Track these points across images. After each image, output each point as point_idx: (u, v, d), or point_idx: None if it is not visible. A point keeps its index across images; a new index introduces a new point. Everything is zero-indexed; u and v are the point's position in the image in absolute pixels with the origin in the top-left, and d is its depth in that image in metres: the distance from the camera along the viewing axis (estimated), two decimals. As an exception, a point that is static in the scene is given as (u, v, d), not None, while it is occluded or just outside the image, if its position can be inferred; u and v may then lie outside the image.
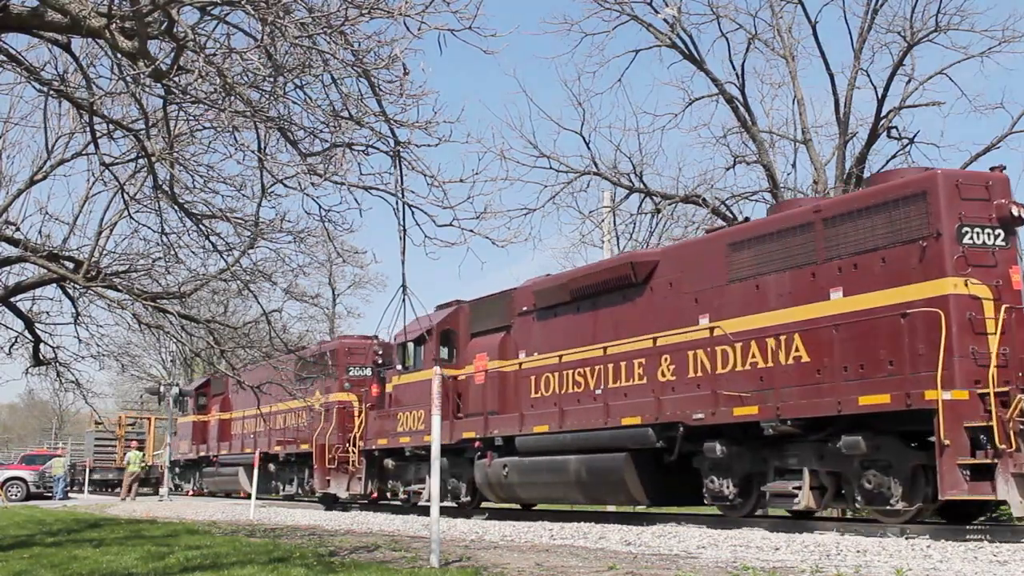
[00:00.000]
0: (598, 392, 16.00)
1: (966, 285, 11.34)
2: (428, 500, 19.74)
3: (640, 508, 16.86)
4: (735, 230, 14.38)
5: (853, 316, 12.11)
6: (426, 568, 8.68)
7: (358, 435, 22.18)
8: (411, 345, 20.35)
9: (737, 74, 24.95)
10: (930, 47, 23.40)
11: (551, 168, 25.27)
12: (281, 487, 26.52)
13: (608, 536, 12.10)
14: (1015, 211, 11.62)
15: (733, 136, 25.89)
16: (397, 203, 7.59)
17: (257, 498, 26.70)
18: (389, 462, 20.72)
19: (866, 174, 22.77)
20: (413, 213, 7.53)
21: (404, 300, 7.81)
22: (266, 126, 7.58)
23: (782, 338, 12.95)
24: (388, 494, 21.22)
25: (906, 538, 10.82)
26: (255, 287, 12.79)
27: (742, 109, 24.79)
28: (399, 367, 20.57)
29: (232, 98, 7.00)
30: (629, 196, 26.42)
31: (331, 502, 24.23)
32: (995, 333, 11.19)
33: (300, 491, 25.57)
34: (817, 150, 24.76)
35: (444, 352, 19.55)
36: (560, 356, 16.48)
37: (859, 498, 11.87)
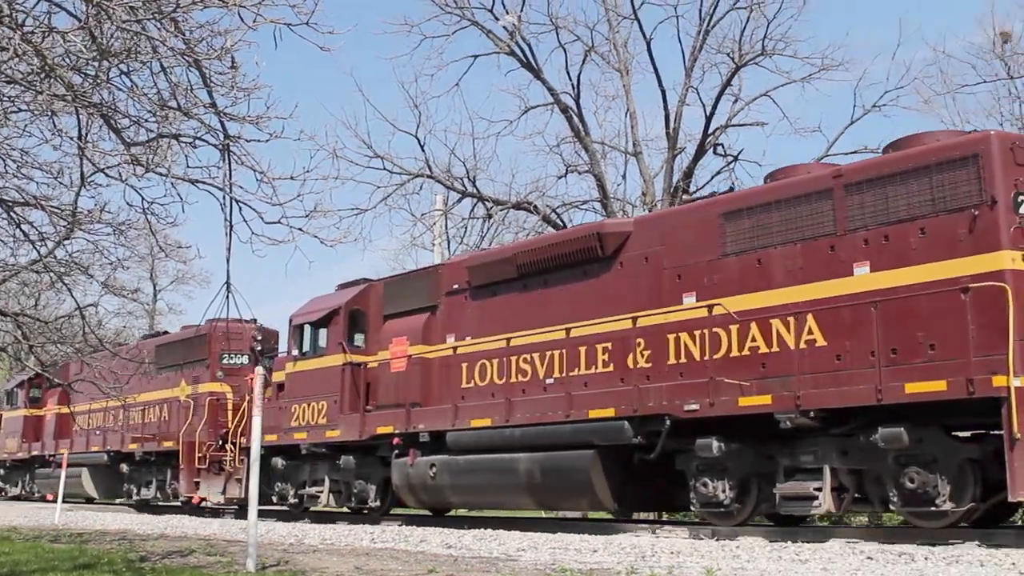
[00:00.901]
0: (549, 381, 14.06)
1: (1011, 261, 10.01)
2: (328, 505, 17.27)
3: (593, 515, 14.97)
4: (731, 198, 12.75)
5: (885, 294, 10.59)
6: (242, 572, 8.41)
7: (238, 430, 19.28)
8: (309, 328, 17.77)
9: (573, 85, 25.57)
10: (756, 70, 25.30)
11: (385, 169, 25.68)
12: (135, 491, 23.09)
13: (429, 539, 12.08)
14: (1071, 181, 10.38)
15: (566, 145, 26.66)
16: (224, 198, 7.58)
17: (106, 503, 23.30)
18: (279, 461, 17.97)
19: (692, 188, 24.24)
20: (240, 209, 7.54)
21: (228, 297, 7.83)
22: (88, 112, 7.37)
23: (791, 319, 11.33)
24: (274, 498, 18.43)
25: (717, 539, 11.17)
26: (70, 280, 11.99)
27: (576, 119, 25.49)
28: (295, 352, 17.90)
29: (51, 80, 6.79)
30: (462, 200, 27.07)
31: (193, 508, 21.13)
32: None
33: (159, 495, 22.28)
34: (647, 163, 25.80)
35: (351, 336, 17.07)
36: (508, 340, 14.36)
37: (895, 499, 10.34)
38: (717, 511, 11.92)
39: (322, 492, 17.14)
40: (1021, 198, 10.23)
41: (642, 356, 12.93)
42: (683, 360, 12.46)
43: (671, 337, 12.66)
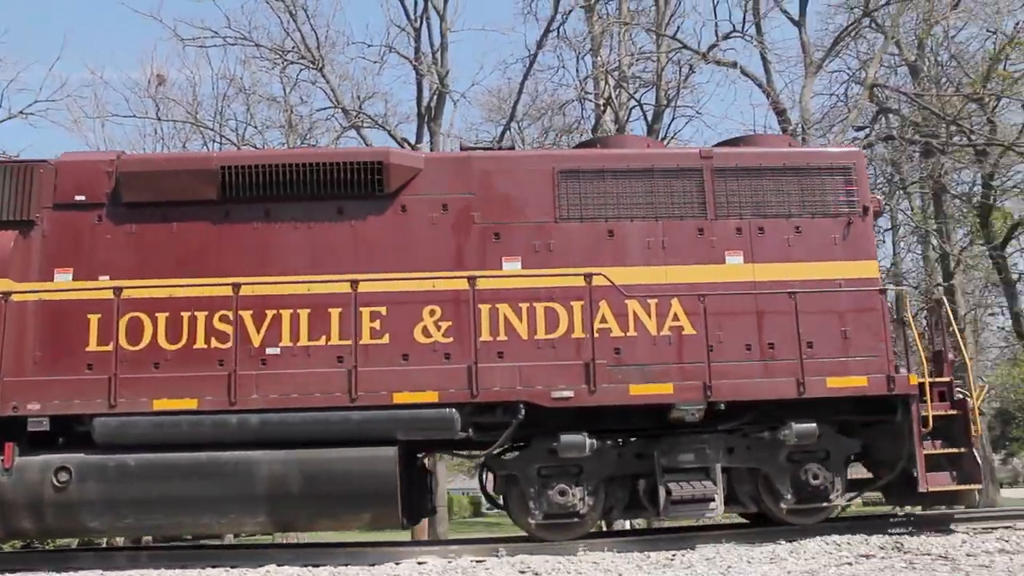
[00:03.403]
0: (273, 351, 10.45)
1: (878, 270, 11.04)
2: None
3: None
4: (572, 155, 11.27)
5: (763, 287, 10.56)
6: None
7: None
8: None
9: None
10: None
11: None
12: None
13: None
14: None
15: None
16: None
17: None
18: None
19: None
20: None
21: None
22: None
23: (652, 303, 10.47)
24: None
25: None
26: None
27: None
28: None
29: None
30: None
31: None
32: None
33: None
34: None
35: None
36: (236, 286, 10.17)
37: (789, 496, 10.27)
38: (568, 522, 10.14)
39: None
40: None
41: (438, 328, 10.40)
42: (503, 337, 10.40)
43: (485, 308, 10.49)
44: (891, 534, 10.06)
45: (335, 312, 10.43)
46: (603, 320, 10.51)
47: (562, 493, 10.09)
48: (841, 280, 10.70)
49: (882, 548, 9.20)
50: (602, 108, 25.17)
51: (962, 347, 11.56)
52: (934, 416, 10.28)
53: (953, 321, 11.12)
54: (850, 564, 8.27)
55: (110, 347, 10.18)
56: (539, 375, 10.15)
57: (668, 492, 10.01)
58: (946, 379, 10.55)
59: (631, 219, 10.76)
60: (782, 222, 10.84)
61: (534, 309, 10.54)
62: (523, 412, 9.98)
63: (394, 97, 56.65)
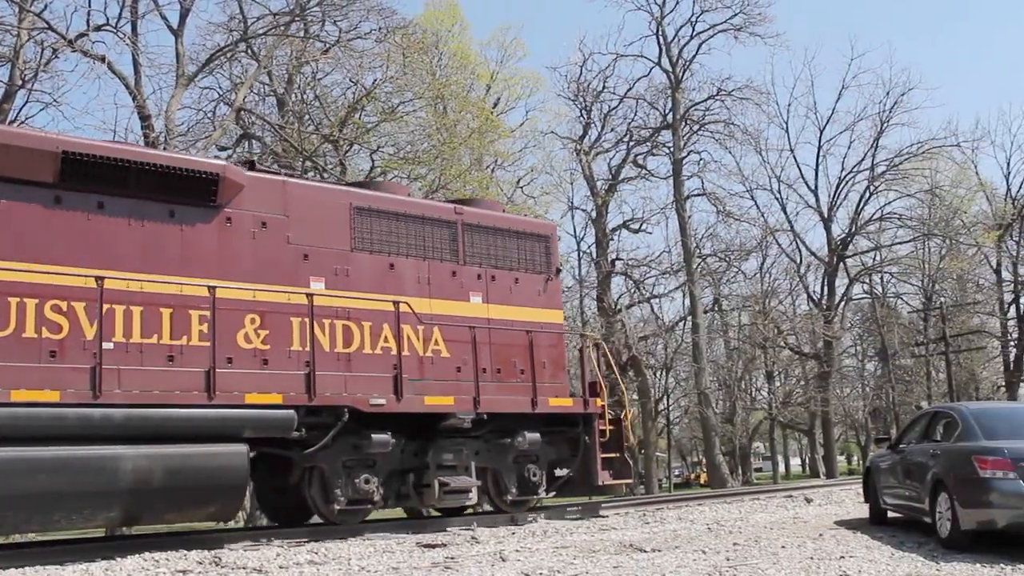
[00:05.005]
0: (108, 346, 10.57)
1: (563, 318, 14.82)
2: None
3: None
4: (366, 195, 12.93)
5: (502, 323, 13.68)
6: None
7: None
8: None
9: None
10: None
11: None
12: None
13: None
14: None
15: None
16: None
17: None
18: None
19: None
20: None
21: None
22: None
23: (420, 328, 12.96)
24: None
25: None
26: None
27: None
28: None
29: None
30: None
31: None
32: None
33: None
34: None
35: None
36: (100, 279, 10.16)
37: (514, 489, 13.29)
38: (363, 508, 11.90)
39: None
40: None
41: (257, 336, 11.56)
42: (307, 348, 11.85)
43: (296, 320, 11.85)
44: (535, 521, 13.27)
45: (167, 312, 10.84)
46: (386, 340, 12.47)
47: (367, 481, 11.84)
48: (542, 323, 14.08)
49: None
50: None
51: (618, 378, 15.70)
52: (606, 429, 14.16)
53: (610, 357, 15.17)
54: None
55: (-74, 328, 9.34)
56: (359, 384, 11.79)
57: (443, 484, 12.33)
58: (604, 402, 14.51)
59: (407, 256, 12.91)
60: (507, 273, 13.89)
61: (334, 325, 12.10)
62: (347, 415, 11.51)
63: None
